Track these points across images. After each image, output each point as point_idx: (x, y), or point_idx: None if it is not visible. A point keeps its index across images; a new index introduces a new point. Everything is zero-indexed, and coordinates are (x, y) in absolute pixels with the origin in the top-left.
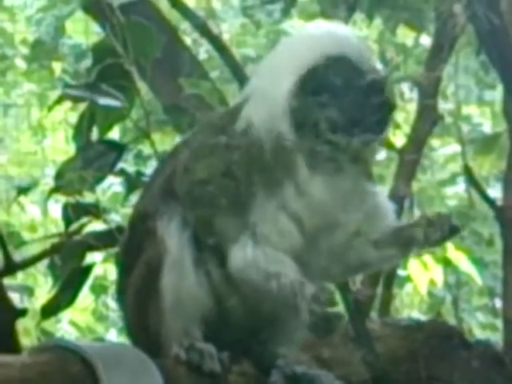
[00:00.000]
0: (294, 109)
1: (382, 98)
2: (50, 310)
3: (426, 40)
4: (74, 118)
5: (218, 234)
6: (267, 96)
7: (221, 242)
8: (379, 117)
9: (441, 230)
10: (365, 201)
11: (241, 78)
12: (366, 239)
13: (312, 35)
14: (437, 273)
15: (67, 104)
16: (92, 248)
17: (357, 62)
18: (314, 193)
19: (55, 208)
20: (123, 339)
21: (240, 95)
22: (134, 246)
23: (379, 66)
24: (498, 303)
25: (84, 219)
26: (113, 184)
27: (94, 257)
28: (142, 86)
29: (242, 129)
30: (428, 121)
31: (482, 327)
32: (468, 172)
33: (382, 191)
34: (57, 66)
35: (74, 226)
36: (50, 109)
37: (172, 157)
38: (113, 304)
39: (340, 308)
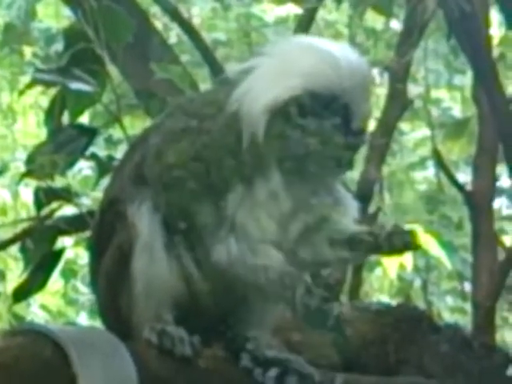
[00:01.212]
0: (274, 119)
1: (353, 152)
2: (22, 293)
3: (395, 24)
4: (44, 101)
5: (196, 218)
6: (257, 93)
7: (199, 226)
8: (344, 165)
9: (395, 243)
10: (327, 199)
11: (211, 62)
12: (323, 237)
13: (319, 59)
14: (406, 257)
15: (38, 88)
16: (63, 232)
17: (355, 116)
18: (283, 194)
19: (26, 192)
20: (93, 322)
21: (218, 80)
22: (105, 231)
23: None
24: (467, 287)
25: (55, 203)
26: (83, 168)
27: (64, 241)
28: (113, 70)
29: (229, 114)
30: (398, 105)
31: (451, 311)
32: (437, 156)
33: (348, 194)
34: (27, 51)
35: (45, 211)
36: (21, 93)
37: (142, 141)
38: (83, 288)
39: None
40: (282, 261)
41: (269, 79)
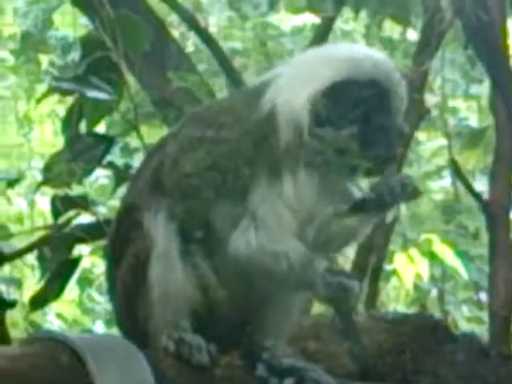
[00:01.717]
0: (314, 111)
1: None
2: (38, 301)
3: (412, 35)
4: (61, 110)
5: (213, 225)
6: (294, 89)
7: (217, 233)
8: (387, 155)
9: (397, 194)
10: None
11: (228, 71)
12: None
13: (353, 51)
14: (422, 266)
15: (55, 97)
16: (80, 240)
17: (393, 98)
18: (306, 191)
19: (42, 200)
20: (109, 331)
21: (237, 90)
22: (122, 239)
23: None
24: (483, 297)
25: (72, 212)
26: (100, 177)
27: (81, 250)
28: (130, 79)
29: (265, 112)
30: (415, 114)
31: (467, 320)
32: (454, 166)
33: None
34: (44, 59)
35: (62, 219)
36: (38, 101)
37: (158, 149)
38: (98, 297)
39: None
40: (301, 246)
41: (302, 76)
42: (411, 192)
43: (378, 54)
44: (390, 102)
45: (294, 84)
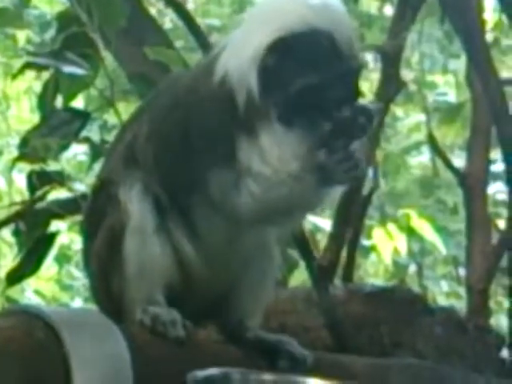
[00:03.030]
0: (264, 68)
1: (352, 85)
2: (15, 277)
3: (389, 10)
4: (38, 87)
5: (194, 199)
6: (240, 50)
7: (197, 209)
8: (346, 95)
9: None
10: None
11: (205, 47)
12: None
13: (290, 1)
14: (401, 242)
15: (31, 73)
16: (56, 216)
17: (340, 41)
18: (290, 137)
19: (20, 178)
20: (88, 307)
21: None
22: (97, 213)
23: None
24: (462, 271)
25: (48, 187)
26: (77, 153)
27: (58, 226)
28: (107, 55)
29: (219, 77)
30: (391, 88)
31: (445, 295)
32: (432, 141)
33: None
34: (21, 36)
35: (38, 194)
36: (14, 77)
37: (132, 122)
38: (77, 273)
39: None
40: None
41: (247, 32)
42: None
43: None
44: (337, 45)
45: (239, 46)
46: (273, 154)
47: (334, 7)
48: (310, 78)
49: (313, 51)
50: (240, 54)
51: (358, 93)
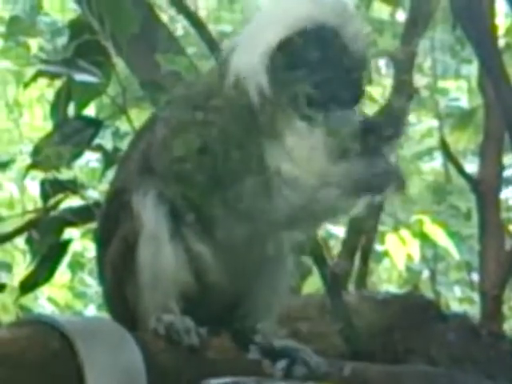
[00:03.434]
0: (274, 67)
1: (359, 76)
2: (29, 285)
3: (401, 16)
4: (50, 95)
5: (209, 212)
6: (249, 51)
7: (211, 220)
8: (354, 92)
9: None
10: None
11: (217, 54)
12: None
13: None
14: (414, 247)
15: (44, 81)
16: (69, 224)
17: (341, 34)
18: (313, 134)
19: (32, 185)
20: (102, 315)
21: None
22: (111, 221)
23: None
24: (475, 277)
25: (61, 195)
26: (90, 160)
27: (71, 234)
28: (119, 62)
29: (232, 80)
30: (403, 95)
31: (459, 301)
32: (444, 146)
33: None
34: (33, 44)
35: (50, 202)
36: (26, 85)
37: (146, 130)
38: (90, 281)
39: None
40: (330, 165)
41: (254, 36)
42: (396, 183)
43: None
44: (344, 43)
45: (247, 49)
46: (300, 152)
47: (341, 3)
48: (319, 74)
49: (319, 48)
50: (249, 54)
51: (362, 90)
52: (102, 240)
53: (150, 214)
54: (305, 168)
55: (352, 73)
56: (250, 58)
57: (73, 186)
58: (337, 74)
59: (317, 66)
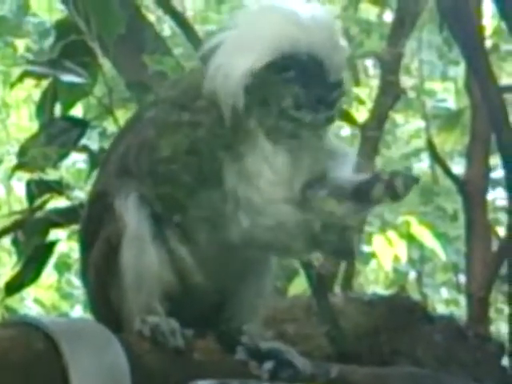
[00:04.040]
0: (253, 86)
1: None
2: (14, 286)
3: (389, 16)
4: (37, 95)
5: (190, 214)
6: (229, 69)
7: (193, 222)
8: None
9: (403, 183)
10: (321, 153)
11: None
12: (326, 191)
13: (284, 18)
14: (401, 248)
15: (31, 82)
16: (55, 225)
17: (328, 66)
18: (276, 158)
19: (19, 186)
20: (88, 316)
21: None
22: (94, 223)
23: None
24: (462, 279)
25: (47, 196)
26: (77, 161)
27: (58, 234)
28: (106, 63)
29: (207, 94)
30: (390, 95)
31: (445, 303)
32: (431, 147)
33: (341, 144)
34: (20, 45)
35: (37, 203)
36: (12, 85)
37: (127, 132)
38: (77, 281)
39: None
40: (293, 212)
41: (237, 51)
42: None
43: (314, 18)
44: (325, 69)
45: (229, 62)
46: (260, 176)
47: (326, 28)
48: (295, 99)
49: (300, 74)
50: (228, 72)
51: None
52: (85, 242)
53: (132, 215)
54: (262, 193)
55: (328, 98)
56: (228, 76)
57: (59, 187)
58: (312, 98)
59: (293, 91)
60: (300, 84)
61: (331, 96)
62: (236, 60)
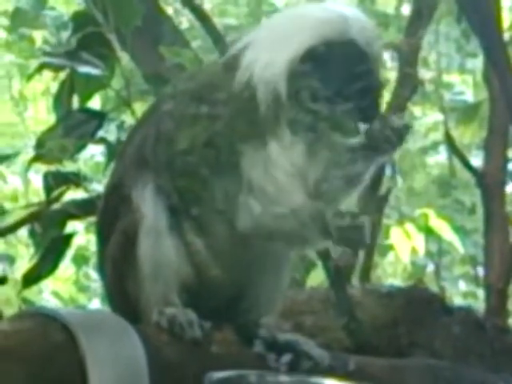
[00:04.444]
0: (292, 77)
1: (376, 84)
2: (32, 278)
3: (406, 9)
4: (55, 88)
5: (209, 202)
6: (270, 56)
7: (212, 210)
8: (368, 110)
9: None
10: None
11: (222, 48)
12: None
13: (327, 11)
14: (419, 241)
15: (49, 74)
16: (72, 217)
17: (370, 55)
18: (295, 158)
19: (37, 179)
20: (105, 308)
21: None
22: (110, 215)
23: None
24: (480, 272)
25: (64, 187)
26: (95, 154)
27: (75, 227)
28: (123, 56)
29: (241, 81)
30: (408, 87)
31: (463, 296)
32: (449, 140)
33: None
34: (38, 37)
35: (54, 195)
36: (29, 77)
37: (142, 124)
38: (95, 275)
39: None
40: (305, 200)
41: (276, 42)
42: (403, 130)
43: (352, 12)
44: (368, 60)
45: (269, 51)
46: (279, 164)
47: (366, 20)
48: (339, 89)
49: (344, 62)
50: (270, 59)
51: (378, 108)
52: (102, 234)
53: (149, 206)
54: (277, 191)
55: (368, 93)
56: (270, 64)
57: (76, 179)
58: (354, 90)
59: (336, 79)
60: (342, 73)
61: (371, 89)
62: (279, 45)
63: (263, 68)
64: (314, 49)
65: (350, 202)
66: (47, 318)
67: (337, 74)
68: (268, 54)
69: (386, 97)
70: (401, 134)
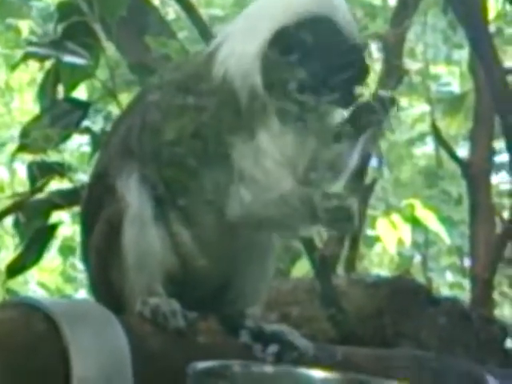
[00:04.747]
0: (266, 65)
1: (361, 63)
2: (16, 268)
3: (393, 1)
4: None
5: (196, 193)
6: (241, 46)
7: (199, 201)
8: (353, 80)
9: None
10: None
11: (208, 38)
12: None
13: None
14: (405, 232)
15: (35, 65)
16: (57, 207)
17: (337, 23)
18: (284, 147)
19: (22, 169)
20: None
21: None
22: (95, 204)
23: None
24: (467, 262)
25: (48, 177)
26: (81, 145)
27: (61, 217)
28: (109, 46)
29: (219, 75)
30: (393, 78)
31: (450, 287)
32: (436, 131)
33: None
34: (24, 27)
35: (38, 185)
36: (13, 67)
37: (128, 114)
38: (81, 265)
39: None
40: (294, 185)
41: (246, 30)
42: (390, 103)
43: None
44: (340, 29)
45: (241, 43)
46: (269, 164)
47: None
48: (317, 65)
49: (316, 38)
50: (241, 50)
51: (366, 76)
52: (86, 224)
53: (134, 195)
54: (268, 172)
55: (351, 63)
56: (241, 54)
57: (60, 169)
58: (333, 67)
59: (313, 57)
60: (317, 50)
61: (354, 58)
62: (248, 34)
63: (237, 61)
64: (282, 32)
65: (337, 187)
66: (30, 307)
67: (313, 54)
68: (240, 46)
69: (372, 88)
70: (386, 105)
